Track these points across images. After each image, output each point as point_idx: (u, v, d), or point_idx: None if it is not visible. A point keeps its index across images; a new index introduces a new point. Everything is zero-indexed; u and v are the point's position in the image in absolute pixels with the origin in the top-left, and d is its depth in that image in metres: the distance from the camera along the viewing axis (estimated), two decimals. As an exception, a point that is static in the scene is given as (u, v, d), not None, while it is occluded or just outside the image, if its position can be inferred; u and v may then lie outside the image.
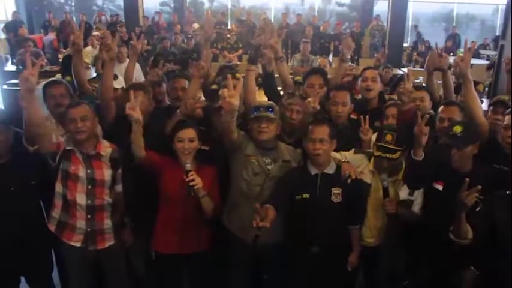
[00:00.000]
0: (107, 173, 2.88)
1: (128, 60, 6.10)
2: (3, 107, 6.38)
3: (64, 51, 10.89)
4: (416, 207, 2.87)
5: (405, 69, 10.41)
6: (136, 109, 2.74)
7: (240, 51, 10.74)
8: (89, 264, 3.00)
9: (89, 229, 2.86)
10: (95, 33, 9.88)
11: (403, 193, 2.87)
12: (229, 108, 2.63)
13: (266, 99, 3.60)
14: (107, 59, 3.20)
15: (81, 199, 2.82)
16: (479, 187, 2.37)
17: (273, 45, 3.58)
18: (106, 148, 2.90)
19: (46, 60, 10.56)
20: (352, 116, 3.42)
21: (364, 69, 3.85)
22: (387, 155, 2.77)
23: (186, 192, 2.70)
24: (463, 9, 19.63)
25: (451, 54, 11.58)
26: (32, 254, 2.97)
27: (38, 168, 2.90)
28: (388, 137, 2.77)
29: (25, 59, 2.73)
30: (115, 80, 3.47)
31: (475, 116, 2.94)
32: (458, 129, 2.69)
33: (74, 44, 3.28)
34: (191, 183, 2.67)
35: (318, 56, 8.79)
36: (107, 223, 2.92)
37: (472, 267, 2.78)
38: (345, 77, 4.25)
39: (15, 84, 6.66)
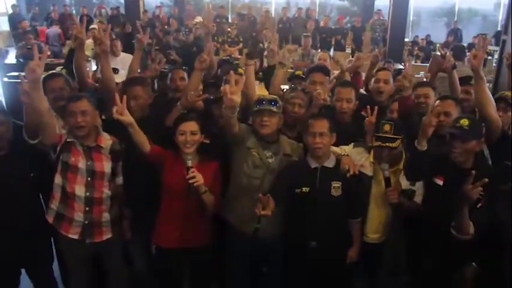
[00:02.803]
0: (106, 165, 2.89)
1: (122, 53, 6.13)
2: (3, 100, 6.36)
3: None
4: (419, 198, 2.88)
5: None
6: (124, 112, 2.72)
7: (241, 45, 10.70)
8: (87, 257, 3.01)
9: (86, 221, 2.86)
10: (93, 25, 9.84)
11: (405, 182, 2.88)
12: (231, 104, 2.62)
13: (267, 93, 3.59)
14: (100, 52, 3.20)
15: (80, 191, 2.82)
16: (486, 180, 2.37)
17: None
18: (106, 140, 2.91)
19: (49, 53, 10.54)
20: (363, 113, 3.41)
21: (377, 70, 3.83)
22: (387, 143, 2.77)
23: (187, 188, 2.70)
24: (464, 4, 19.55)
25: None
26: (32, 246, 2.98)
27: (37, 160, 2.90)
28: (386, 127, 2.78)
29: (28, 51, 2.72)
30: (116, 73, 3.46)
31: (487, 113, 2.93)
32: (465, 122, 2.69)
33: (77, 39, 3.26)
34: (191, 181, 2.67)
35: (318, 50, 8.76)
36: (105, 216, 2.93)
37: (473, 263, 2.78)
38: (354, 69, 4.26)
39: (16, 77, 6.65)
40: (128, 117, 2.72)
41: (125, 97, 2.77)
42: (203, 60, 3.22)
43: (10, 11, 14.25)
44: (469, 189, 2.39)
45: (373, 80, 3.76)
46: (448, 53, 3.72)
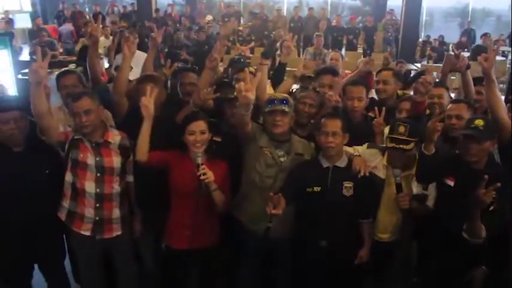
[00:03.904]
0: (116, 161, 2.89)
1: (136, 51, 6.14)
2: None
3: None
4: (431, 202, 2.86)
5: (418, 65, 10.34)
6: (150, 104, 2.75)
7: (253, 44, 10.72)
8: (97, 254, 3.04)
9: (97, 218, 2.88)
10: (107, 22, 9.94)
11: (417, 187, 2.86)
12: (245, 101, 2.63)
13: (273, 91, 3.60)
14: (127, 53, 3.22)
15: (90, 187, 2.84)
16: (498, 184, 2.35)
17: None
18: (115, 136, 2.92)
19: (61, 50, 10.66)
20: (370, 114, 3.41)
21: (379, 71, 3.83)
22: (401, 145, 2.75)
23: (197, 186, 2.70)
24: (478, 4, 19.36)
25: (466, 50, 11.47)
26: (45, 242, 3.01)
27: (51, 157, 2.93)
28: (401, 129, 2.76)
29: (37, 50, 2.75)
30: (130, 71, 3.47)
31: (498, 116, 2.90)
32: (480, 122, 2.66)
33: (91, 36, 3.28)
34: (202, 177, 2.67)
35: (330, 50, 8.75)
36: (115, 212, 2.94)
37: (483, 267, 2.76)
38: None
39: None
40: (151, 109, 2.76)
41: (156, 90, 2.82)
42: (213, 59, 3.23)
43: (25, 9, 14.42)
44: (482, 193, 2.37)
45: (375, 81, 3.76)
46: (462, 53, 3.67)
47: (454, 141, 2.95)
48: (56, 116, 3.06)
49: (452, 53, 3.63)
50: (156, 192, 2.96)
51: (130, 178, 3.01)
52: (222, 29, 4.13)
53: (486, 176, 2.38)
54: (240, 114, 2.75)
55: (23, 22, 13.43)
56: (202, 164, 2.69)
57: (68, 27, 12.45)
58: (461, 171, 2.73)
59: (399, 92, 3.96)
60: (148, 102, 2.76)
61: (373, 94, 3.90)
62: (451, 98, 3.58)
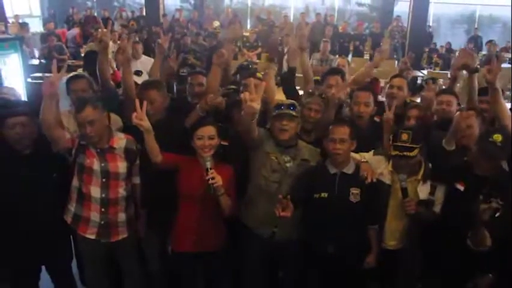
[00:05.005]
0: (121, 166, 2.91)
1: (143, 56, 6.20)
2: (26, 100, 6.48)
3: (85, 46, 11.04)
4: (438, 207, 2.87)
5: (425, 71, 10.32)
6: (144, 119, 2.72)
7: (260, 50, 10.74)
8: (103, 256, 3.06)
9: (102, 222, 2.91)
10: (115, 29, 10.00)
11: (424, 193, 2.87)
12: (250, 111, 2.64)
13: (284, 98, 3.62)
14: (122, 60, 3.26)
15: (95, 192, 2.87)
16: (494, 205, 2.37)
17: (301, 36, 3.66)
18: (120, 140, 2.93)
19: (68, 54, 10.72)
20: (376, 119, 3.42)
21: (392, 77, 3.84)
22: (405, 153, 2.76)
23: (206, 190, 2.72)
24: (485, 11, 19.27)
25: (472, 56, 11.43)
26: (53, 243, 3.03)
27: (59, 160, 2.95)
28: (404, 136, 2.77)
29: (52, 58, 2.80)
30: (140, 76, 3.50)
31: (504, 124, 2.91)
32: (498, 137, 2.64)
33: (101, 42, 3.31)
34: (211, 181, 2.69)
35: (337, 56, 8.76)
36: (121, 216, 2.97)
37: (490, 275, 2.76)
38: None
39: (39, 78, 6.78)
40: (146, 123, 2.73)
41: (145, 103, 2.77)
42: (221, 55, 3.25)
43: (34, 13, 14.56)
44: (481, 209, 2.39)
45: (388, 85, 3.76)
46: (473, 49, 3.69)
47: (464, 149, 2.97)
48: (66, 119, 3.09)
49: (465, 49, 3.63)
50: (162, 193, 2.98)
51: (136, 180, 3.04)
52: (228, 32, 4.13)
53: (481, 197, 2.41)
54: (246, 122, 2.77)
55: (32, 26, 13.55)
56: (211, 168, 2.71)
57: (74, 31, 12.52)
58: (470, 177, 2.75)
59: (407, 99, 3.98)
60: (140, 119, 2.71)
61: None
62: (460, 105, 3.58)
